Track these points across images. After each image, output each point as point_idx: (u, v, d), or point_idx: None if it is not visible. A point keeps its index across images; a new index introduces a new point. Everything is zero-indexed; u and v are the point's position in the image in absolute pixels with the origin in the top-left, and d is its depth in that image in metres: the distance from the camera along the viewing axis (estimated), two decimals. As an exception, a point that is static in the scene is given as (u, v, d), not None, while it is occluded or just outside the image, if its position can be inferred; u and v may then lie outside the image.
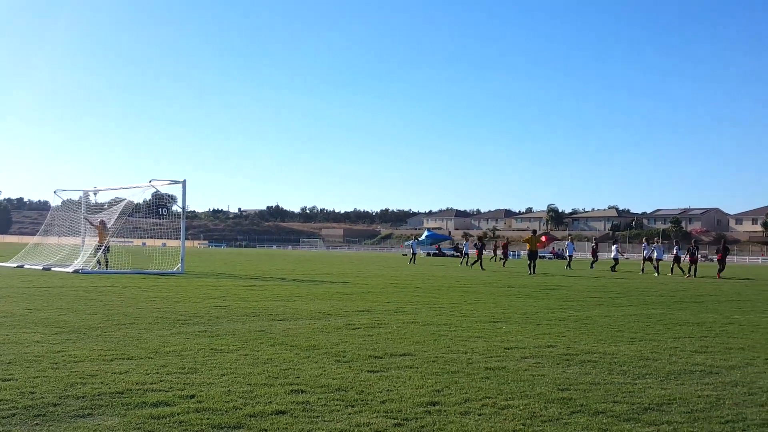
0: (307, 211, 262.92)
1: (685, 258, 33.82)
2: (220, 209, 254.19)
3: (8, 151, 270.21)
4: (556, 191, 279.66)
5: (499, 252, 43.60)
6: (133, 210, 28.62)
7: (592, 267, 39.72)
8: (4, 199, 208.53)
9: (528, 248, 34.15)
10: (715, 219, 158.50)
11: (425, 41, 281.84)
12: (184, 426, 4.47)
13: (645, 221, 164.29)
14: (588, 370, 6.57)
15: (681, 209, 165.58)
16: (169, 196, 30.42)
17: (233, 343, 7.84)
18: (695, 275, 32.26)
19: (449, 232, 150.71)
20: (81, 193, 30.17)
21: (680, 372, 6.56)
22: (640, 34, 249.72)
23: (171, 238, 33.65)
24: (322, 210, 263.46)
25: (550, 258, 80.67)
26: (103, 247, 24.79)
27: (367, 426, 4.51)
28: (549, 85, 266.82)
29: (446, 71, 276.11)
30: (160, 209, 30.61)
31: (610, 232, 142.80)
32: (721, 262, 33.20)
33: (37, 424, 4.45)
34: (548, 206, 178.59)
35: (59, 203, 31.13)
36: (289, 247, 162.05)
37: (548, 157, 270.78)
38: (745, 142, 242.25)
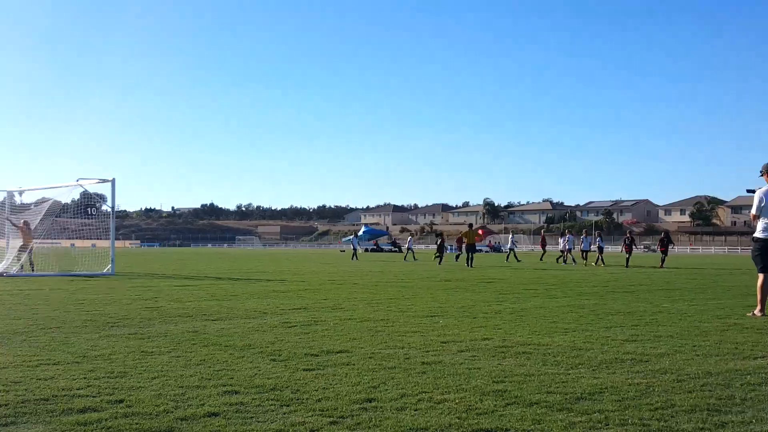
0: (243, 209, 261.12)
1: (622, 248, 34.69)
2: (152, 208, 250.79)
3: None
4: (491, 185, 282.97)
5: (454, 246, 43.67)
6: (61, 210, 27.91)
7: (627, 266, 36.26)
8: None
9: (465, 242, 34.58)
10: (645, 210, 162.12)
11: (357, 35, 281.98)
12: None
13: (578, 213, 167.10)
14: (523, 362, 6.62)
15: (612, 201, 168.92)
16: (98, 195, 29.84)
17: (165, 345, 7.69)
18: (627, 265, 33.09)
19: (387, 228, 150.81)
20: (5, 194, 29.37)
21: (612, 361, 6.66)
22: (570, 24, 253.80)
23: (101, 239, 32.97)
24: (258, 207, 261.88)
25: (487, 251, 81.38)
26: (28, 250, 24.19)
27: (302, 425, 4.46)
28: (482, 79, 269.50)
29: (382, 66, 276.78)
30: (89, 209, 29.90)
31: (545, 225, 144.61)
32: (664, 252, 34.35)
33: (-42, 434, 4.29)
34: (484, 200, 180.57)
35: (-19, 204, 30.23)
36: (225, 245, 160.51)
37: (483, 151, 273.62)
38: (672, 135, 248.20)
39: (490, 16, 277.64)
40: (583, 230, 42.98)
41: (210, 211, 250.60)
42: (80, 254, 28.79)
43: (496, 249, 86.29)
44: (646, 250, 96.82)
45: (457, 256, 37.63)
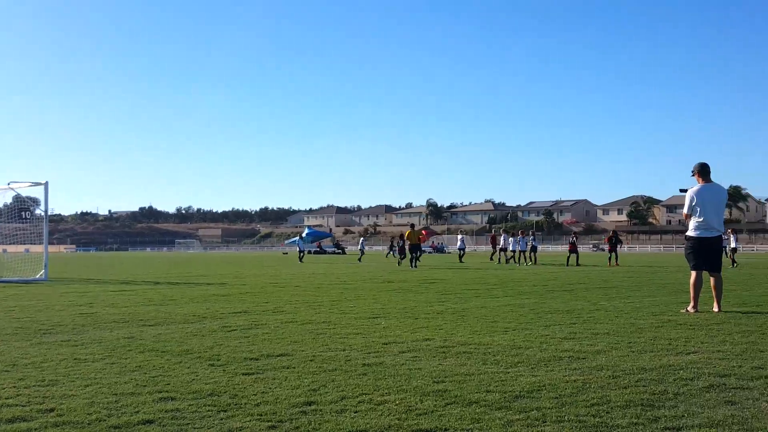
0: (183, 212, 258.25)
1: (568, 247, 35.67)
2: (88, 212, 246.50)
3: None
4: (434, 186, 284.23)
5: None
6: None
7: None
8: None
9: (409, 242, 34.79)
10: (584, 210, 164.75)
11: (295, 36, 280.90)
12: (44, 441, 4.26)
13: (519, 213, 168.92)
14: (463, 362, 6.65)
15: (552, 201, 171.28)
16: (31, 198, 29.22)
17: (99, 351, 7.54)
18: (567, 264, 33.70)
19: (330, 229, 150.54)
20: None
21: (550, 359, 6.73)
22: (503, 23, 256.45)
23: (35, 243, 32.26)
24: (198, 210, 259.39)
25: (430, 252, 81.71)
26: None
27: (240, 430, 4.42)
28: (423, 80, 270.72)
29: (323, 67, 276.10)
30: (22, 213, 29.22)
31: (488, 225, 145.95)
32: (613, 251, 35.57)
33: None
34: (427, 201, 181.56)
35: None
36: (164, 249, 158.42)
37: (426, 152, 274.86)
38: (610, 136, 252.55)
39: (428, 14, 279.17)
40: (519, 231, 43.62)
41: (149, 214, 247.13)
42: (12, 260, 28.01)
43: (439, 250, 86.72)
44: (595, 249, 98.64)
45: (401, 258, 37.53)
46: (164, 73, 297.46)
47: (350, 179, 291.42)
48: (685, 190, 11.20)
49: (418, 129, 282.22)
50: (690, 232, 11.10)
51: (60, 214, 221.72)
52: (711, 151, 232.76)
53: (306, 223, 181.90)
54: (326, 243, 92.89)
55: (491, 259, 42.21)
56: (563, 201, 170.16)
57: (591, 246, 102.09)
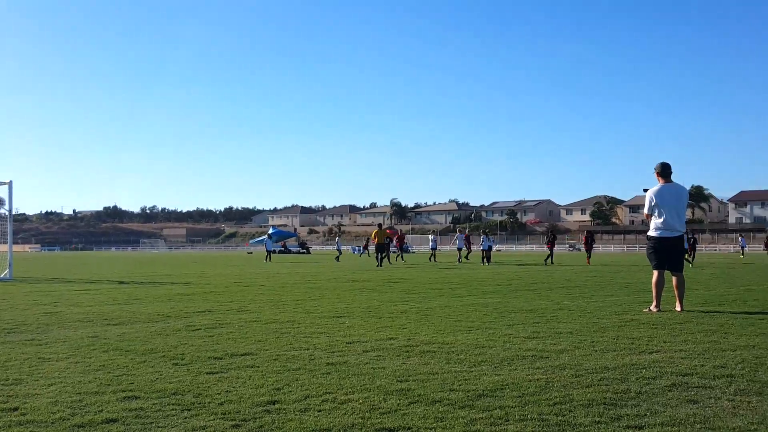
0: (148, 211, 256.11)
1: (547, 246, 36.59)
2: (53, 211, 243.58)
3: None
4: (398, 186, 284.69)
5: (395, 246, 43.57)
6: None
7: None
8: None
9: (375, 242, 35.01)
10: (548, 210, 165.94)
11: (262, 36, 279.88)
12: (6, 441, 4.22)
13: (483, 213, 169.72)
14: (427, 361, 6.68)
15: (516, 201, 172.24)
16: (-6, 198, 28.79)
17: (63, 350, 7.47)
18: (546, 263, 34.30)
19: (295, 229, 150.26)
20: None
21: (513, 358, 6.78)
22: (474, 25, 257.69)
23: (-1, 243, 31.82)
24: (163, 209, 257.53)
25: (394, 251, 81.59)
26: None
27: (204, 429, 4.40)
28: (388, 80, 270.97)
29: (287, 67, 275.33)
30: (-14, 212, 28.83)
31: (452, 225, 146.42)
32: (588, 251, 37.18)
33: None
34: (391, 201, 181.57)
35: None
36: (129, 248, 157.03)
37: (390, 152, 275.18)
38: (573, 136, 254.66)
39: (390, 16, 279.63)
40: (481, 230, 44.06)
41: (113, 213, 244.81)
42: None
43: (405, 250, 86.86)
44: (571, 249, 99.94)
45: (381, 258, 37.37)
46: (129, 72, 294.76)
47: (314, 179, 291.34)
48: (648, 190, 11.32)
49: (382, 129, 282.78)
50: (651, 232, 11.22)
51: (24, 214, 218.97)
52: (674, 152, 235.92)
53: (270, 222, 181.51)
54: (291, 243, 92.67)
55: (467, 258, 42.40)
56: (527, 201, 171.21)
57: (567, 246, 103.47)
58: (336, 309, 11.87)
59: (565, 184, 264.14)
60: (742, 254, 55.95)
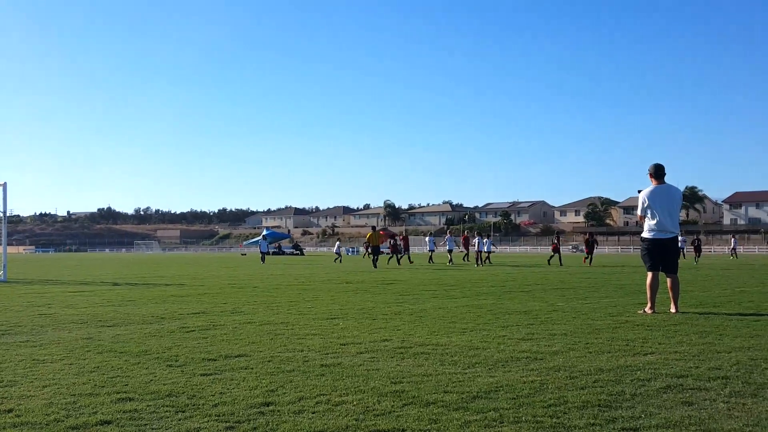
0: (142, 213, 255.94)
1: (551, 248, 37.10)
2: (47, 213, 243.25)
3: None
4: (392, 187, 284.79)
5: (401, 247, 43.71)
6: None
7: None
8: None
9: (371, 244, 35.51)
10: (542, 211, 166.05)
11: (256, 36, 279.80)
12: (-1, 443, 4.20)
13: (477, 215, 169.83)
14: (421, 362, 6.67)
15: (510, 202, 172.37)
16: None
17: (57, 352, 7.46)
18: (549, 262, 34.50)
19: (289, 231, 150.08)
20: None
21: (507, 360, 6.77)
22: (464, 25, 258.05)
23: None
24: (157, 211, 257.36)
25: (388, 253, 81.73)
26: None
27: (198, 431, 4.39)
28: (381, 81, 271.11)
29: (280, 68, 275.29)
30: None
31: (445, 226, 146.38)
32: (590, 252, 37.52)
33: None
34: (385, 202, 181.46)
35: None
36: (123, 250, 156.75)
37: (384, 153, 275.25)
38: (567, 137, 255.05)
39: (383, 18, 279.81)
40: (475, 231, 44.17)
41: (107, 215, 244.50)
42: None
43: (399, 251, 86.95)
44: (574, 250, 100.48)
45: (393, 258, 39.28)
46: (122, 73, 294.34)
47: (308, 180, 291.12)
48: (641, 192, 11.33)
49: (376, 130, 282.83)
50: (645, 234, 11.22)
51: (18, 215, 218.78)
52: (668, 153, 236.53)
53: (264, 224, 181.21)
54: (285, 244, 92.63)
55: (465, 260, 42.49)
56: (520, 202, 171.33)
57: (570, 247, 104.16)
58: (330, 310, 11.86)
59: (560, 185, 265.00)
60: (735, 256, 56.33)
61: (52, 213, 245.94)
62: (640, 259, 12.10)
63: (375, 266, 32.80)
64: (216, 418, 4.69)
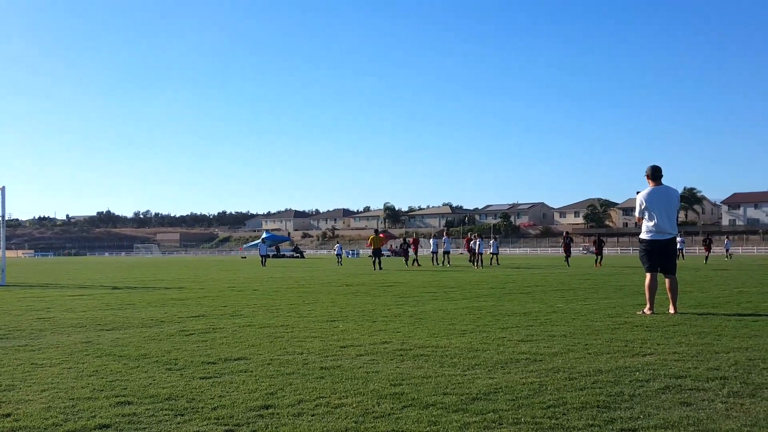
0: (141, 216, 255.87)
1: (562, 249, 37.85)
2: (46, 216, 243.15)
3: None
4: (392, 190, 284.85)
5: (411, 250, 43.79)
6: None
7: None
8: None
9: (372, 246, 36.15)
10: (541, 213, 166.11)
11: (253, 39, 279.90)
12: (-2, 447, 4.20)
13: (477, 217, 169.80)
14: (421, 364, 6.67)
15: (509, 204, 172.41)
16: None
17: (56, 356, 7.45)
18: (568, 264, 36.83)
19: (289, 233, 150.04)
20: None
21: (507, 361, 6.78)
22: (462, 27, 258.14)
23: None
24: (156, 214, 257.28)
25: (388, 255, 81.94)
26: None
27: (197, 434, 4.39)
28: (379, 84, 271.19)
29: (279, 70, 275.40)
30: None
31: (445, 229, 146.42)
32: (599, 253, 38.17)
33: None
34: (384, 204, 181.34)
35: None
36: (123, 253, 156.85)
37: (383, 155, 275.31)
38: (566, 139, 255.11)
39: (381, 19, 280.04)
40: (473, 234, 44.52)
41: (106, 218, 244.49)
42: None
43: (398, 253, 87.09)
44: (585, 251, 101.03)
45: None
46: (119, 76, 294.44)
47: (308, 183, 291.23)
48: (639, 194, 11.34)
49: (376, 132, 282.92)
50: (643, 235, 11.23)
51: (17, 219, 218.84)
52: (667, 154, 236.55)
53: (264, 227, 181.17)
54: (285, 247, 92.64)
55: (470, 261, 42.67)
56: (520, 204, 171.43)
57: (581, 249, 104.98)
58: (330, 313, 11.86)
59: (559, 187, 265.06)
60: (728, 256, 56.55)
61: (51, 217, 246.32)
62: (638, 260, 12.10)
63: (376, 268, 32.92)
64: (215, 421, 4.69)
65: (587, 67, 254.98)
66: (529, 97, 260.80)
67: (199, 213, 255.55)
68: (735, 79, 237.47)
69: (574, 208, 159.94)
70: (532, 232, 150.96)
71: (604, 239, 41.91)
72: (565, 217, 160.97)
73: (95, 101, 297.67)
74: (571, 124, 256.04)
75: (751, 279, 21.98)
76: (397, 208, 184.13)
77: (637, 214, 11.35)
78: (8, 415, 4.91)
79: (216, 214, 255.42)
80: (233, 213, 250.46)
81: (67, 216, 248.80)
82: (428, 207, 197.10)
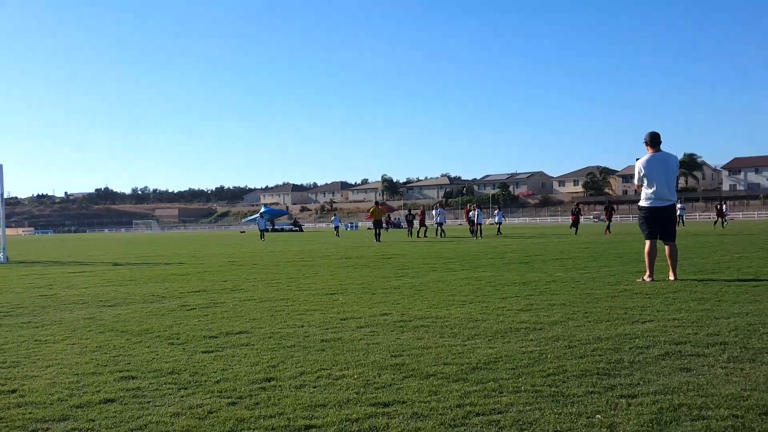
0: (139, 192, 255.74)
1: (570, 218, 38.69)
2: (45, 194, 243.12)
3: None
4: (390, 161, 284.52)
5: (416, 222, 43.77)
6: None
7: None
8: None
9: (373, 218, 36.45)
10: (540, 182, 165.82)
11: (252, 16, 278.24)
12: (4, 422, 4.22)
13: (475, 187, 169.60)
14: (421, 335, 6.71)
15: (508, 174, 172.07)
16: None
17: (60, 332, 7.50)
18: (576, 233, 37.77)
19: (287, 207, 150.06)
20: None
21: (506, 330, 6.81)
22: (467, 6, 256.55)
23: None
24: (155, 190, 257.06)
25: (386, 228, 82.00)
26: None
27: (200, 407, 4.42)
28: (375, 57, 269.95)
29: (277, 47, 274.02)
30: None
31: (444, 199, 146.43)
32: (609, 219, 39.75)
33: None
34: (382, 176, 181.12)
35: None
36: (122, 230, 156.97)
37: (381, 127, 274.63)
38: (564, 107, 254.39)
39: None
40: (473, 205, 44.56)
41: (105, 195, 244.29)
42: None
43: (396, 225, 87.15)
44: (596, 219, 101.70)
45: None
46: (118, 53, 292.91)
47: (305, 156, 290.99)
48: (638, 161, 11.33)
49: (373, 104, 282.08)
50: (642, 203, 11.24)
51: (16, 197, 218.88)
52: (666, 120, 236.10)
53: (262, 201, 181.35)
54: (284, 221, 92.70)
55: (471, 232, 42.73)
56: (519, 173, 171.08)
57: (592, 217, 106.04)
58: (330, 286, 11.90)
59: (558, 155, 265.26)
60: (725, 222, 56.77)
61: (50, 194, 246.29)
62: (638, 228, 12.12)
63: (378, 239, 33.18)
64: (218, 394, 4.73)
65: (583, 33, 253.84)
66: (527, 65, 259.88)
67: (197, 188, 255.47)
68: (736, 43, 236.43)
69: (574, 177, 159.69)
70: (531, 201, 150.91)
71: (615, 206, 42.24)
72: (564, 185, 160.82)
73: (92, 79, 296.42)
74: (570, 92, 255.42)
75: (752, 245, 22.00)
76: (395, 180, 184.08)
77: (636, 181, 11.35)
78: (14, 391, 4.94)
79: (214, 189, 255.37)
80: (231, 188, 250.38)
81: (66, 193, 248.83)
82: (426, 178, 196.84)
